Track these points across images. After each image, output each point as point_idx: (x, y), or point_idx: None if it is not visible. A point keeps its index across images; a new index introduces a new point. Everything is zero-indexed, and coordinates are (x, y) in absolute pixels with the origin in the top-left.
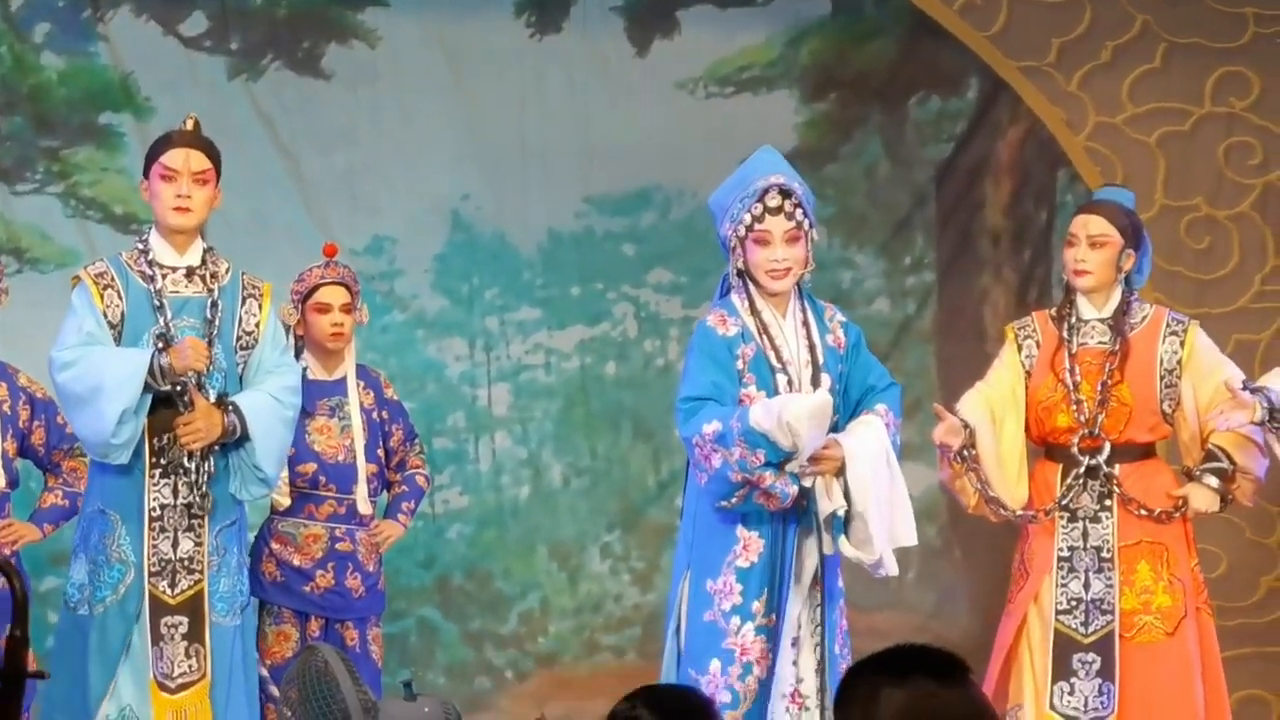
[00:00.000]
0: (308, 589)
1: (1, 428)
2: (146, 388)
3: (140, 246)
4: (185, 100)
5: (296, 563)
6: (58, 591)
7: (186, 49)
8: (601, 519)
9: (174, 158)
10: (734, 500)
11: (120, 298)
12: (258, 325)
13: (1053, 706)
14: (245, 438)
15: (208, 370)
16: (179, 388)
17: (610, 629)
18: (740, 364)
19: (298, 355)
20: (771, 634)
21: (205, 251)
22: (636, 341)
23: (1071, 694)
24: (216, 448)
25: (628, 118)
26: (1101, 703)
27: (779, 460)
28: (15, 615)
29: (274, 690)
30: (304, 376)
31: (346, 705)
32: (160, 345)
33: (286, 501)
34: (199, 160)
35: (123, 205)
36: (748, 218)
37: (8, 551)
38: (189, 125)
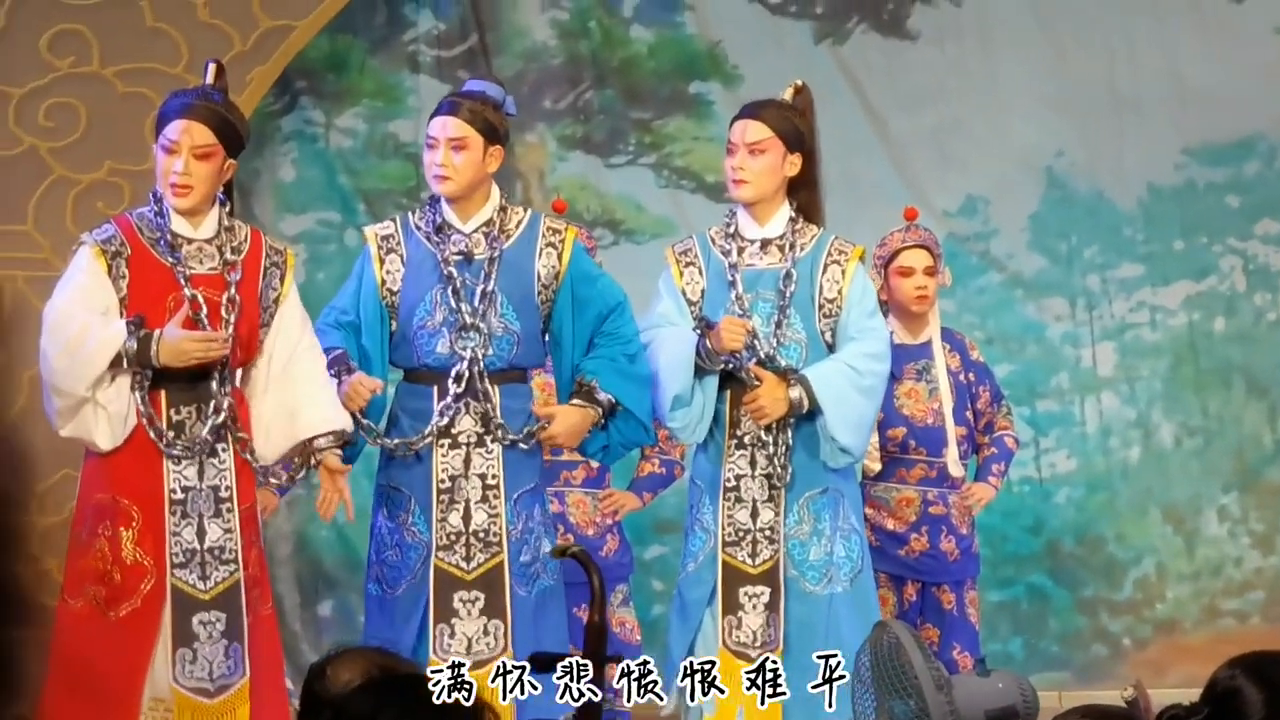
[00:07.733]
0: (902, 553)
1: None
2: (698, 369)
3: (726, 219)
4: (772, 66)
5: (890, 526)
6: (661, 560)
7: (772, 15)
8: (1216, 480)
9: (734, 131)
10: None
11: (701, 274)
12: (840, 293)
13: None
14: (817, 409)
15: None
16: (733, 366)
17: (1231, 594)
18: None
19: None
20: None
21: (789, 222)
22: (1246, 295)
23: None
24: (791, 420)
25: (1224, 64)
26: None
27: None
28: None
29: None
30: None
31: (919, 680)
32: (700, 330)
33: (877, 467)
34: (756, 131)
35: (714, 174)
36: None
37: (610, 521)
38: (787, 96)
